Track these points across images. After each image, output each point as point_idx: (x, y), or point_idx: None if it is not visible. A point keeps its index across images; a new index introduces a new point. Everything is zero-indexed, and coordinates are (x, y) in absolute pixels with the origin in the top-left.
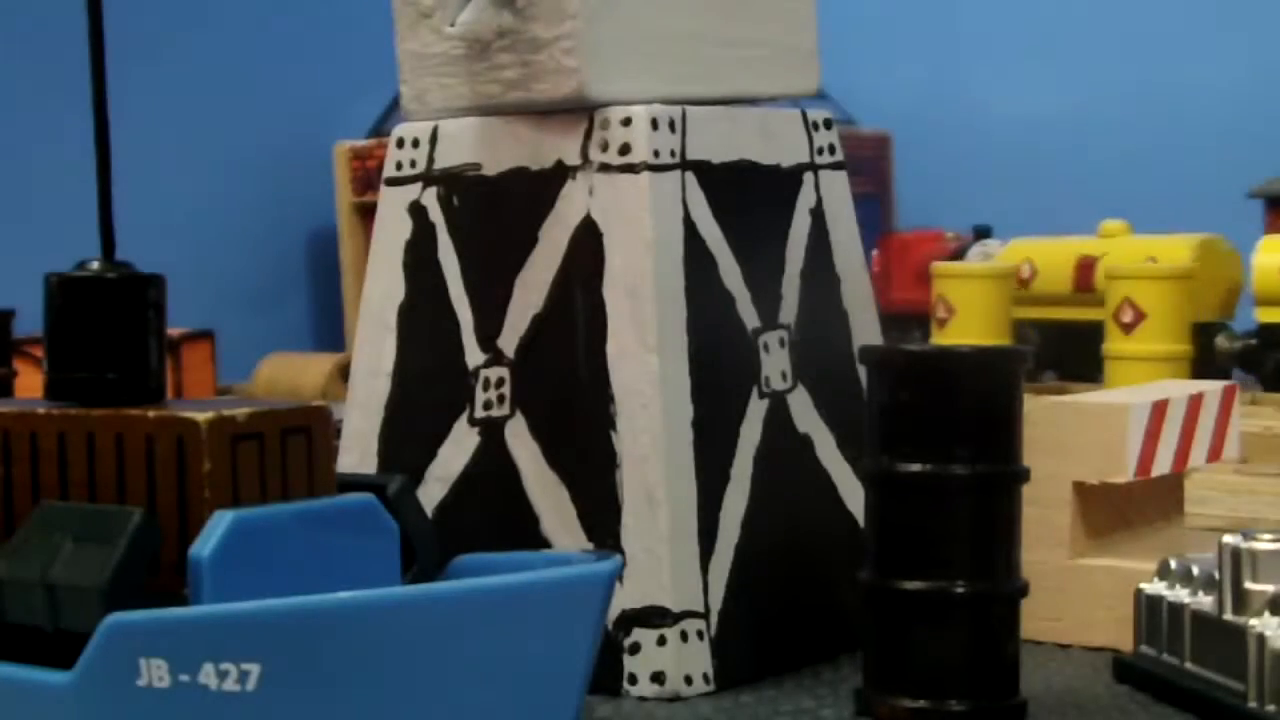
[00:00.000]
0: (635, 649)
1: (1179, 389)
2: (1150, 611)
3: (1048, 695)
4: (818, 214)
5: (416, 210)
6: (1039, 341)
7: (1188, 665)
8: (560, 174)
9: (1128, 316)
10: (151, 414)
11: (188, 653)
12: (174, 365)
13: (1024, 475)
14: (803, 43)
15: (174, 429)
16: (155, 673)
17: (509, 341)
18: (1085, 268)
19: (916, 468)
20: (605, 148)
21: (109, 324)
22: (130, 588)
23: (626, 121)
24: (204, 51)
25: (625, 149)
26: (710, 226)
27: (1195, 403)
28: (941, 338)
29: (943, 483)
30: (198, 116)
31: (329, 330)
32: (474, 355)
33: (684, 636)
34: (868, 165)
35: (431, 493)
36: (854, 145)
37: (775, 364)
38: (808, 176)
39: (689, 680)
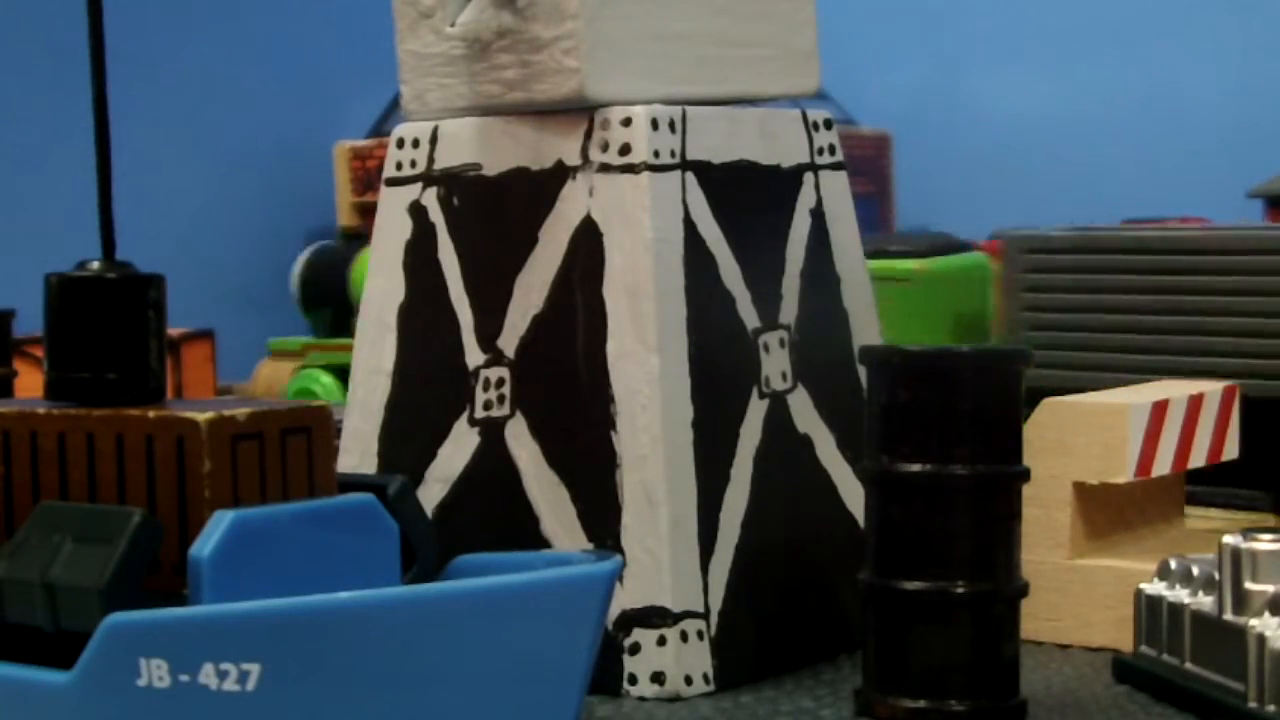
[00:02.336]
0: (635, 649)
1: (1179, 389)
2: (1150, 611)
3: (1048, 695)
4: (818, 214)
5: (416, 210)
6: None
7: (1188, 665)
8: (560, 174)
9: None
10: (151, 414)
11: (188, 653)
12: (174, 365)
13: (1024, 475)
14: (803, 43)
15: (174, 429)
16: (155, 673)
17: (509, 341)
18: None
19: (916, 468)
20: (605, 148)
21: (109, 324)
22: (130, 588)
23: (626, 122)
24: (204, 51)
25: (625, 149)
26: (710, 226)
27: (1195, 403)
28: None
29: (943, 483)
30: (198, 116)
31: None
32: (474, 355)
33: (684, 637)
34: (868, 165)
35: (431, 493)
36: (854, 145)
37: (775, 364)
38: (808, 176)
39: (689, 680)
